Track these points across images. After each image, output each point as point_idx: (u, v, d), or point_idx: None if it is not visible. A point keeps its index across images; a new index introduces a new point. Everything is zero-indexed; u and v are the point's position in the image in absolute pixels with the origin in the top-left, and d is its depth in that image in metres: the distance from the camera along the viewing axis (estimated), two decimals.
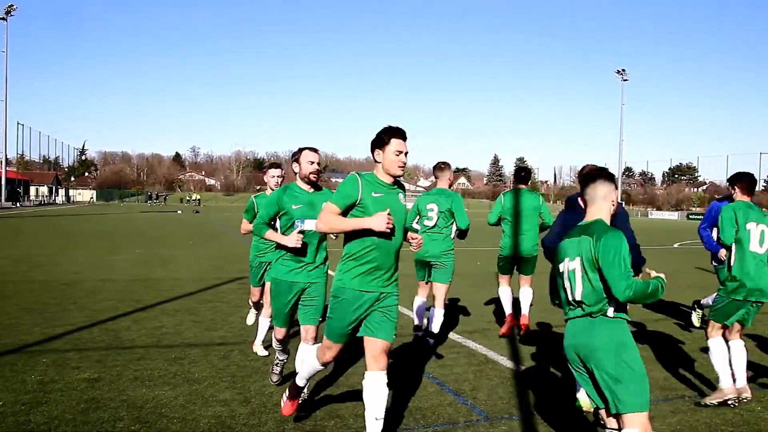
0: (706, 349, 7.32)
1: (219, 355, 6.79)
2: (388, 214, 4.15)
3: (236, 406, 5.21)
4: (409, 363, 6.71)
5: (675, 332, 8.61)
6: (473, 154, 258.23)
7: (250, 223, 6.75)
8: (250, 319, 8.14)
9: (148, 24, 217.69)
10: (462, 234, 7.45)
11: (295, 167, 5.45)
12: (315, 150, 5.52)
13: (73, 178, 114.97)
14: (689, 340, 8.12)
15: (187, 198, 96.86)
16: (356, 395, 5.55)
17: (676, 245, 27.66)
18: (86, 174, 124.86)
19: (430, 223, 7.36)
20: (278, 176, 7.01)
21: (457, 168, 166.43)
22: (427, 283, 7.70)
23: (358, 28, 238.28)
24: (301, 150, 5.44)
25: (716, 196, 6.64)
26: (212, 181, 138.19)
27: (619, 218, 5.24)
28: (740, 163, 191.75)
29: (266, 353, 6.82)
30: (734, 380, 5.55)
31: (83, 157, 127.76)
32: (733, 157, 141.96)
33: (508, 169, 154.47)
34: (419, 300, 7.79)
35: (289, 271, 5.29)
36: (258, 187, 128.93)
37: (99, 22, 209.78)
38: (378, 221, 4.10)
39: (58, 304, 9.53)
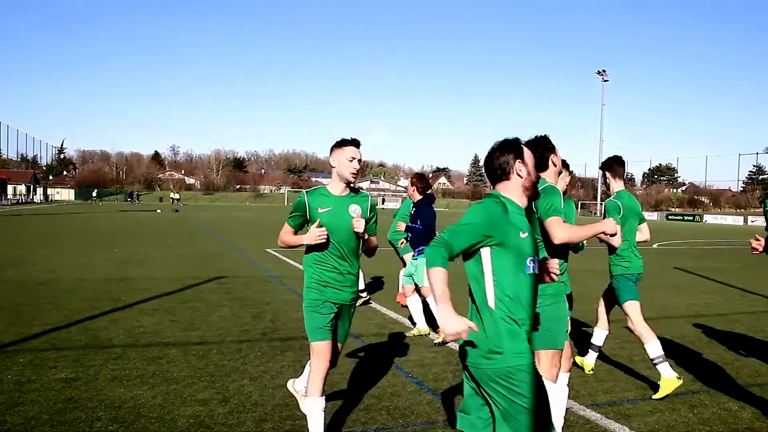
0: (683, 348, 7.46)
1: (197, 355, 6.76)
2: None
3: (215, 406, 5.20)
4: (387, 362, 6.72)
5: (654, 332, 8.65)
6: (453, 154, 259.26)
7: (296, 232, 4.58)
8: (310, 408, 4.37)
9: (127, 23, 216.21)
10: None
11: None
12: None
13: (51, 177, 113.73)
14: (667, 339, 8.16)
15: (172, 197, 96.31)
16: (334, 393, 5.57)
17: (655, 245, 27.83)
18: (65, 173, 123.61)
19: None
20: (358, 159, 4.57)
21: (437, 168, 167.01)
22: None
23: (338, 28, 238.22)
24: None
25: None
26: (192, 180, 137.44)
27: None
28: (719, 164, 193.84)
29: None
30: None
31: (62, 156, 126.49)
32: (712, 158, 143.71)
33: None
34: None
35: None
36: (238, 186, 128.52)
37: (77, 20, 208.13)
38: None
39: (34, 303, 9.44)
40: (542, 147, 4.50)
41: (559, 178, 4.68)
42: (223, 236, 25.78)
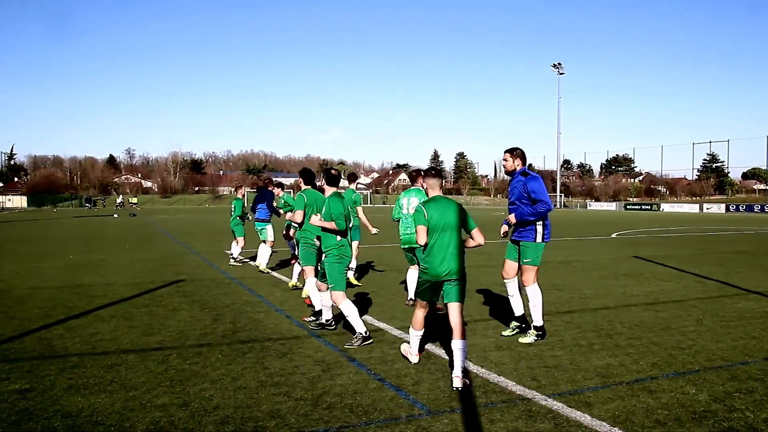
0: (645, 335, 7.58)
1: (156, 360, 6.66)
2: None
3: (175, 411, 5.12)
4: (349, 359, 6.71)
5: (613, 320, 8.78)
6: (413, 150, 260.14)
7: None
8: None
9: (74, 24, 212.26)
10: None
11: None
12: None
13: (1, 184, 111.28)
14: (626, 326, 8.32)
15: (129, 201, 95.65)
16: (297, 394, 5.55)
17: (614, 235, 28.31)
18: (15, 179, 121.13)
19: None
20: None
21: (397, 164, 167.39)
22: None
23: (293, 28, 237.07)
24: None
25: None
26: (149, 184, 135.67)
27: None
28: (674, 154, 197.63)
29: None
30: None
31: (12, 162, 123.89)
32: (667, 147, 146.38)
33: (449, 164, 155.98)
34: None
35: None
36: (196, 188, 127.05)
37: (22, 21, 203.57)
38: None
39: None
40: (327, 174, 8.29)
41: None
42: (181, 239, 25.47)
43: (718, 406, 5.23)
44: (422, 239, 6.25)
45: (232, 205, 16.60)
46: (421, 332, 6.56)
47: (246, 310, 9.50)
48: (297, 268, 11.79)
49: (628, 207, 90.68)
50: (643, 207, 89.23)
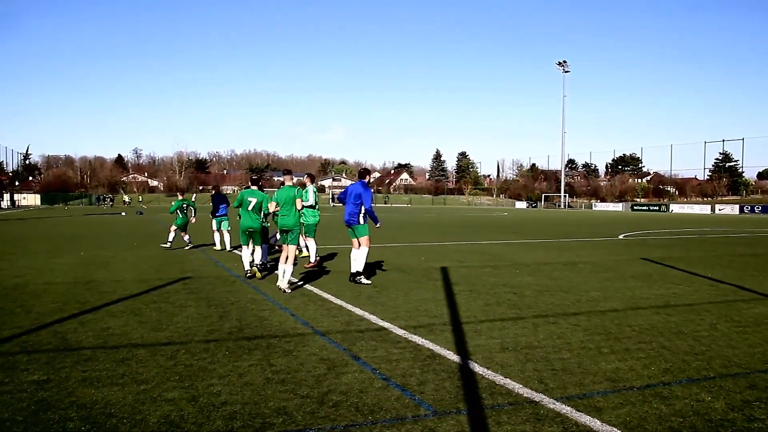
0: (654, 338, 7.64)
1: (165, 355, 6.81)
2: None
3: (184, 405, 5.25)
4: (354, 358, 6.78)
5: (621, 323, 8.66)
6: (416, 149, 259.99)
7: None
8: None
9: (84, 26, 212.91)
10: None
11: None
12: None
13: (17, 183, 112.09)
14: (636, 330, 8.21)
15: (129, 199, 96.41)
16: (303, 392, 5.66)
17: (621, 236, 28.11)
18: (30, 178, 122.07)
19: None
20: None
21: (399, 164, 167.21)
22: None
23: (295, 28, 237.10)
24: None
25: None
26: (155, 182, 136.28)
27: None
28: (684, 153, 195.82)
29: None
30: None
31: (27, 162, 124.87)
32: (677, 146, 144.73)
33: (451, 164, 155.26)
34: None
35: None
36: (201, 187, 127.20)
37: (35, 23, 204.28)
38: None
39: (2, 307, 9.41)
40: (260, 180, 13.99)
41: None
42: (186, 237, 25.55)
43: (736, 415, 5.09)
44: (273, 208, 11.99)
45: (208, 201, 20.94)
46: (290, 266, 11.37)
47: (251, 307, 9.64)
48: (245, 254, 14.23)
49: (635, 208, 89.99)
50: (651, 208, 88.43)
